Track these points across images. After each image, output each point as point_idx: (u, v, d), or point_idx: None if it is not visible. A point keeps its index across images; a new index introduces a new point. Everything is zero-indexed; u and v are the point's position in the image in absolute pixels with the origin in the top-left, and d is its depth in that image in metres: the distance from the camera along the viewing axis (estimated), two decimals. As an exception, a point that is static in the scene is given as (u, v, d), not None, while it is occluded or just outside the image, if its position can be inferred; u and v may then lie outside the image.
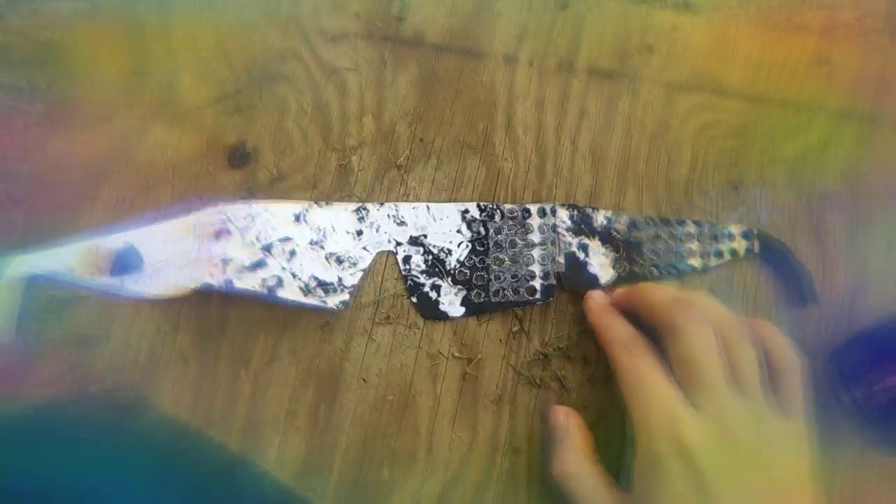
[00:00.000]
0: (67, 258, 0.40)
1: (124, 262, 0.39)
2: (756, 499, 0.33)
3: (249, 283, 0.39)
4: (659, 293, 0.36)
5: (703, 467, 0.32)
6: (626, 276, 0.41)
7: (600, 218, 0.41)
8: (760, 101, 0.44)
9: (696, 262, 0.41)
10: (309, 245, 0.40)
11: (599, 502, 0.35)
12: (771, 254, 0.41)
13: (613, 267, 0.41)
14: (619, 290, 0.39)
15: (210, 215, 0.40)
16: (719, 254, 0.41)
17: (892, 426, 0.36)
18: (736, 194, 0.42)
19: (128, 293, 0.39)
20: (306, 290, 0.39)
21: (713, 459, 0.33)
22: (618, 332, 0.36)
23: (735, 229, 0.41)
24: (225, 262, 0.39)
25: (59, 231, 0.40)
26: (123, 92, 0.42)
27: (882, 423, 0.36)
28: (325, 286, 0.40)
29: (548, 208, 0.41)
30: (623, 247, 0.41)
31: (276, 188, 0.41)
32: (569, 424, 0.37)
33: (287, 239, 0.40)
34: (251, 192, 0.41)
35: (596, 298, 0.39)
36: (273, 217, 0.40)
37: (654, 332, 0.37)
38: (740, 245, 0.41)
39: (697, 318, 0.35)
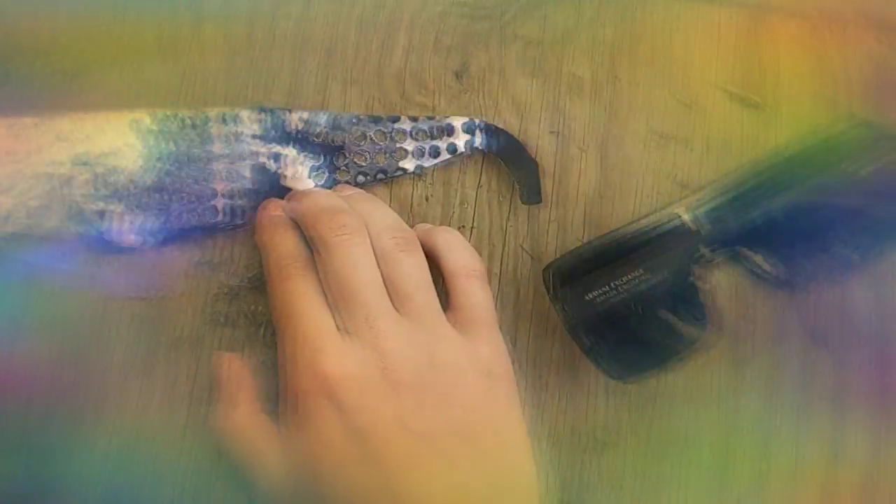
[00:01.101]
0: None
1: None
2: (417, 437, 0.27)
3: None
4: (306, 201, 0.30)
5: (353, 405, 0.27)
6: (326, 186, 0.33)
7: (296, 120, 0.33)
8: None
9: (408, 165, 0.33)
10: None
11: (256, 458, 0.29)
12: (497, 147, 0.33)
13: (311, 177, 0.33)
14: (287, 197, 0.32)
15: None
16: (436, 151, 0.33)
17: (597, 347, 0.31)
18: (459, 83, 0.34)
19: None
20: None
21: (365, 395, 0.27)
22: (276, 250, 0.29)
23: (456, 122, 0.33)
24: None
25: None
26: None
27: (589, 344, 0.30)
28: None
29: (230, 114, 0.33)
30: (323, 152, 0.33)
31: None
32: (228, 372, 0.30)
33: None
34: None
35: (270, 209, 0.31)
36: None
37: None
38: (462, 139, 0.33)
39: (346, 227, 0.29)
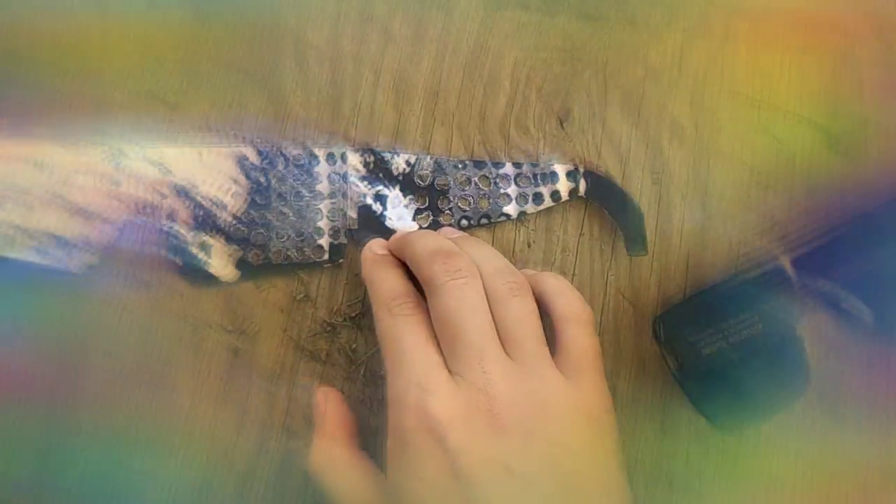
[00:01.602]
0: None
1: None
2: (521, 481, 0.27)
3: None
4: (420, 242, 0.30)
5: (458, 446, 0.27)
6: (429, 229, 0.33)
7: (401, 163, 0.34)
8: (595, 19, 0.36)
9: (511, 210, 0.33)
10: (48, 195, 0.33)
11: (353, 495, 0.29)
12: (600, 195, 0.33)
13: (416, 219, 0.34)
14: (394, 237, 0.32)
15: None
16: (539, 198, 0.33)
17: (707, 396, 0.31)
18: (562, 129, 0.35)
19: None
20: (42, 251, 0.32)
21: (471, 437, 0.27)
22: (385, 288, 0.30)
23: (559, 168, 0.34)
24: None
25: None
26: None
27: (699, 393, 0.31)
28: (66, 245, 0.32)
29: (337, 153, 0.34)
30: (427, 195, 0.34)
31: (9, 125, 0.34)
32: (327, 407, 0.30)
33: (20, 188, 0.33)
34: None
35: (374, 248, 0.32)
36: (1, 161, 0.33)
37: None
38: (565, 187, 0.33)
39: (461, 270, 0.29)
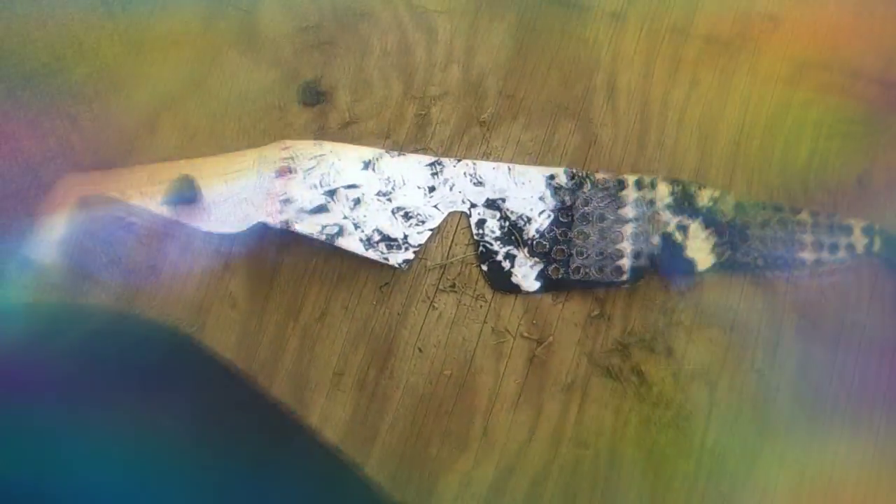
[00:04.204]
0: (120, 182, 0.36)
1: (181, 193, 0.36)
2: None
3: (308, 227, 0.35)
4: None
5: None
6: (726, 264, 0.36)
7: (705, 197, 0.36)
8: (897, 87, 0.38)
9: (808, 255, 0.35)
10: (376, 196, 0.36)
11: None
12: (892, 256, 0.35)
13: (713, 252, 0.36)
14: None
15: (274, 151, 0.37)
16: (835, 248, 0.35)
17: None
18: (859, 187, 0.36)
19: (180, 225, 0.37)
20: (368, 244, 0.35)
21: None
22: None
23: (855, 223, 0.35)
24: (285, 202, 0.35)
25: (115, 154, 0.36)
26: (199, 16, 0.39)
27: None
28: (388, 241, 0.35)
29: (647, 180, 0.36)
30: (727, 231, 0.36)
31: (347, 132, 0.38)
32: None
33: (353, 186, 0.36)
34: (321, 132, 0.37)
35: None
36: (340, 161, 0.37)
37: None
38: (859, 241, 0.35)
39: None
